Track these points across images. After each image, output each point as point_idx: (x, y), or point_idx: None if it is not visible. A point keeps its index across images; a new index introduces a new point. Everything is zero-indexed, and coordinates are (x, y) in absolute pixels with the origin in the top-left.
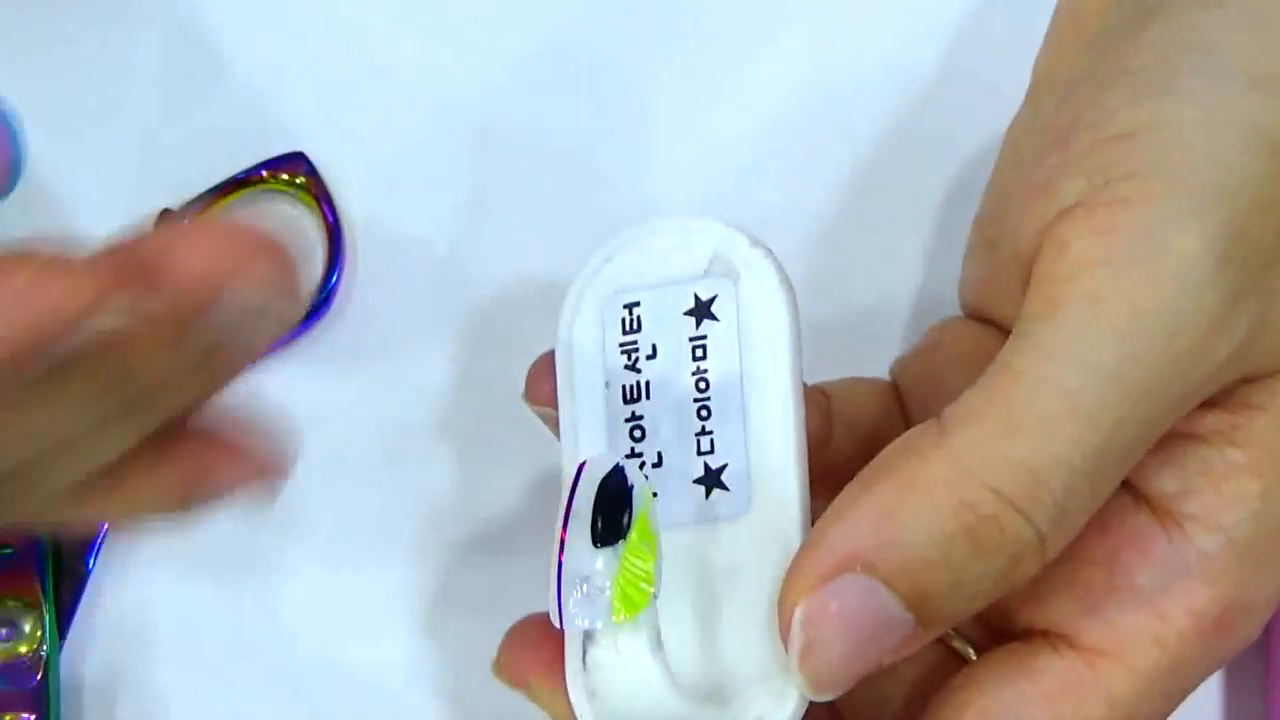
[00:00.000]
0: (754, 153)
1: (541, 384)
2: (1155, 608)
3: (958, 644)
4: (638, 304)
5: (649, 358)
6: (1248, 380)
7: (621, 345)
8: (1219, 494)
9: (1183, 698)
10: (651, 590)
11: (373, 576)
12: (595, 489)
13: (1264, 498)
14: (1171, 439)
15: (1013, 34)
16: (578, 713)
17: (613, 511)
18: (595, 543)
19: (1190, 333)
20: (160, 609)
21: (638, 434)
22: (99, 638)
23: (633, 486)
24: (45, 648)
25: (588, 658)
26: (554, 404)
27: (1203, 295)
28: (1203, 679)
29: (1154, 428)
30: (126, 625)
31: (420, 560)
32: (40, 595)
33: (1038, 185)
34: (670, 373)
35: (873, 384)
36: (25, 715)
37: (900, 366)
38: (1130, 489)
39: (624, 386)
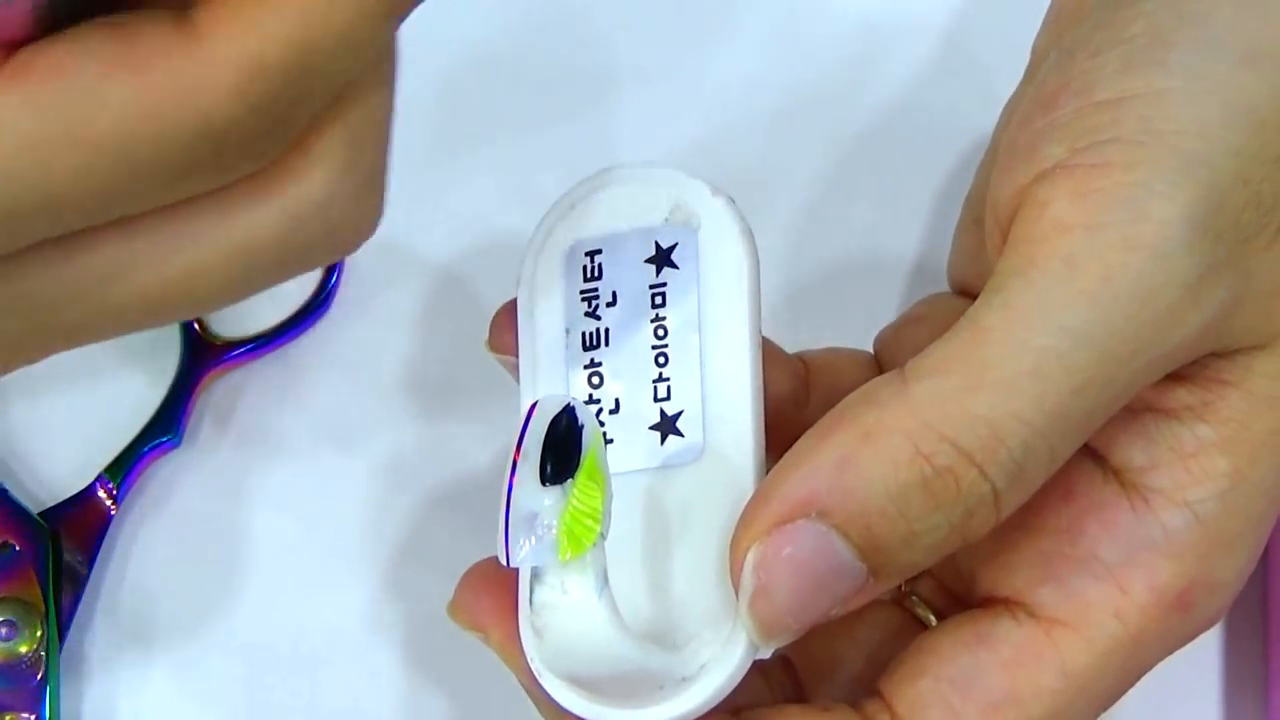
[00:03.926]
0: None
1: (503, 332)
2: (1117, 580)
3: (920, 611)
4: (599, 252)
5: (609, 305)
6: (1221, 355)
7: (582, 293)
8: (1187, 470)
9: (1140, 674)
10: (599, 529)
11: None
12: (545, 429)
13: (1232, 476)
14: (1142, 413)
15: (1016, 9)
16: (530, 657)
17: (562, 451)
18: (544, 481)
19: (1161, 300)
20: (160, 609)
21: (596, 380)
22: (99, 638)
23: (583, 426)
24: (45, 648)
25: (534, 597)
26: (515, 352)
27: (1176, 264)
28: (1162, 657)
29: (1118, 393)
30: (126, 625)
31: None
32: (40, 595)
33: (1021, 147)
34: (630, 320)
35: (854, 355)
36: (25, 715)
37: (883, 339)
38: (1099, 461)
39: (584, 333)
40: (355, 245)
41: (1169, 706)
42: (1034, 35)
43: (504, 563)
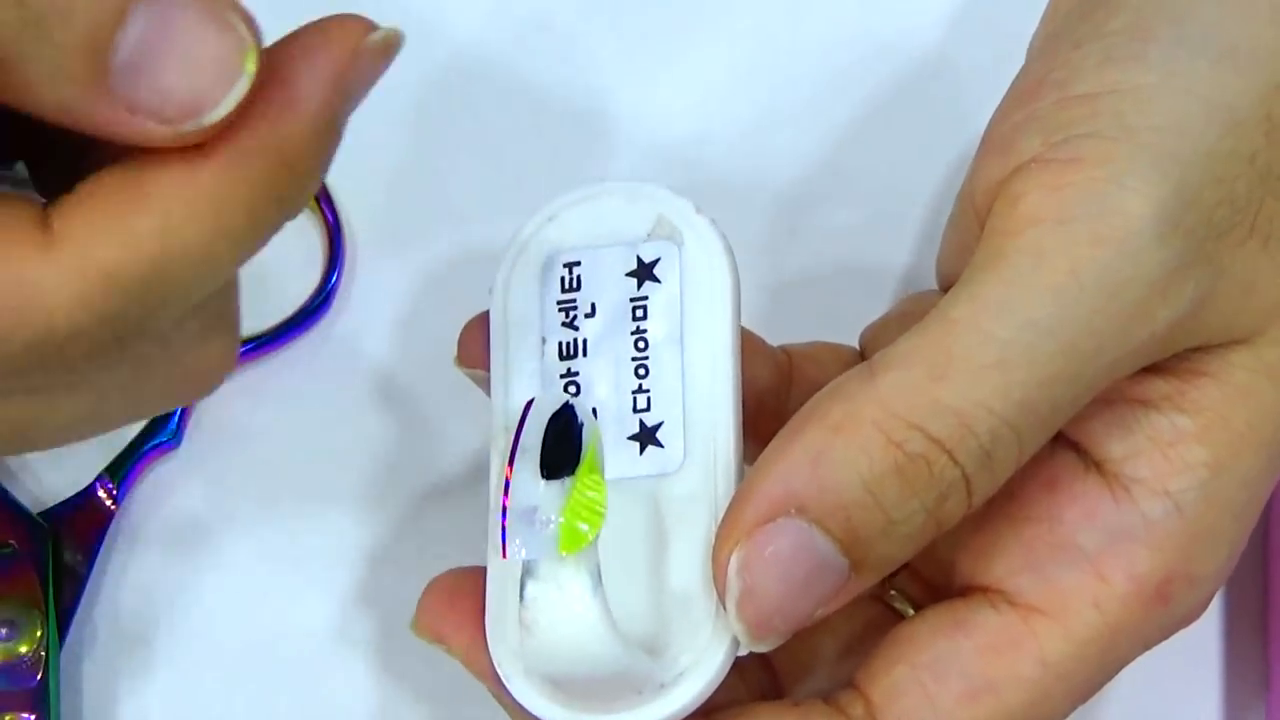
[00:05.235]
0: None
1: (473, 347)
2: (1097, 569)
3: (899, 605)
4: (578, 263)
5: (588, 316)
6: (1198, 349)
7: (560, 303)
8: (1166, 459)
9: (1118, 667)
10: (600, 524)
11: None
12: (544, 424)
13: (1211, 466)
14: (1120, 404)
15: (1003, 17)
16: (498, 661)
17: (563, 447)
18: (544, 475)
19: (1128, 296)
20: (160, 609)
21: (572, 389)
22: (99, 638)
23: (582, 424)
24: (45, 648)
25: (525, 592)
26: (484, 365)
27: (1144, 259)
28: (1140, 651)
29: (1085, 387)
30: (126, 625)
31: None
32: (40, 595)
33: (1001, 139)
34: (609, 332)
35: (839, 349)
36: (25, 715)
37: (869, 334)
38: (1079, 452)
39: (560, 343)
40: (204, 394)
41: (1169, 706)
42: (1021, 43)
43: (501, 556)
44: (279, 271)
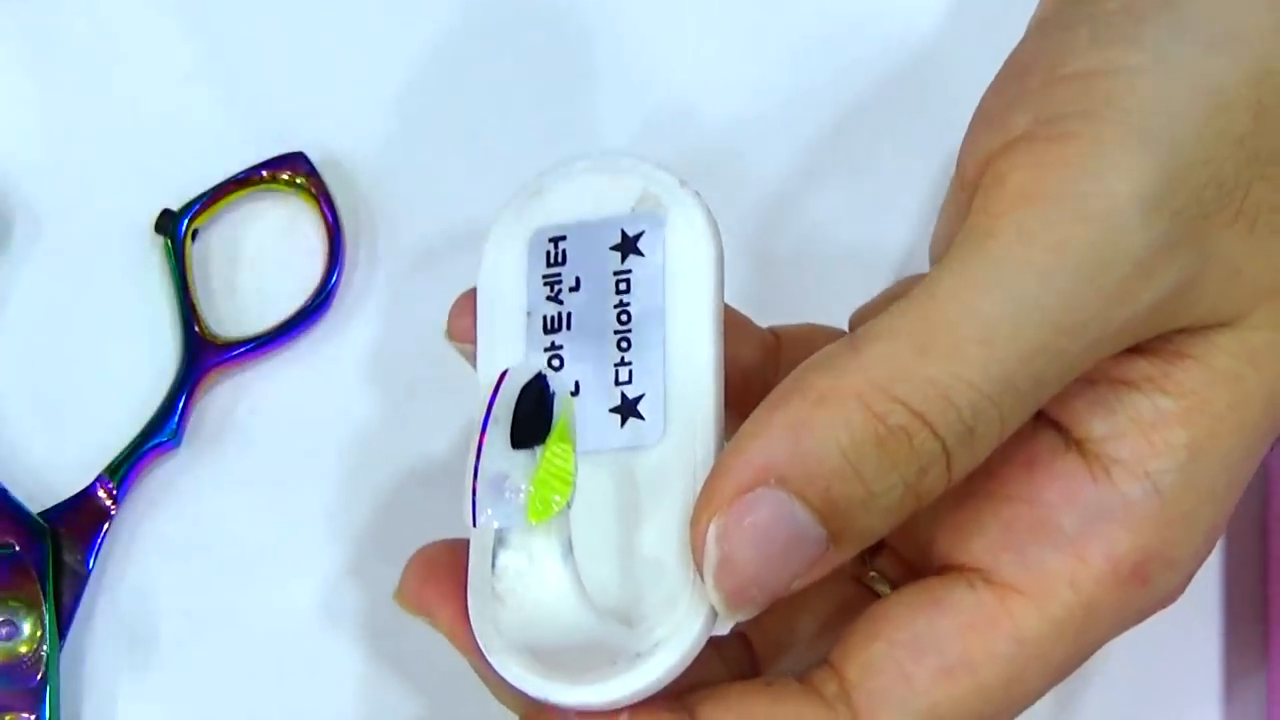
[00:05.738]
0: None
1: (463, 320)
2: (1075, 549)
3: (878, 586)
4: (563, 238)
5: (572, 290)
6: (1184, 331)
7: (545, 277)
8: (1147, 441)
9: (1094, 648)
10: (569, 494)
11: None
12: (516, 395)
13: (1192, 450)
14: (1103, 384)
15: (997, 4)
16: (478, 633)
17: (534, 416)
18: (514, 444)
19: (1111, 275)
20: (160, 609)
21: (556, 363)
22: (99, 638)
23: (554, 394)
24: (45, 648)
25: (497, 561)
26: (473, 339)
27: (1128, 239)
28: (1117, 632)
29: (1068, 365)
30: (126, 625)
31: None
32: (40, 595)
33: (990, 114)
34: (592, 305)
35: (829, 332)
36: (25, 715)
37: (859, 317)
38: (1060, 431)
39: (545, 317)
40: None
41: (1169, 705)
42: (1017, 29)
43: (470, 524)
44: (279, 271)
